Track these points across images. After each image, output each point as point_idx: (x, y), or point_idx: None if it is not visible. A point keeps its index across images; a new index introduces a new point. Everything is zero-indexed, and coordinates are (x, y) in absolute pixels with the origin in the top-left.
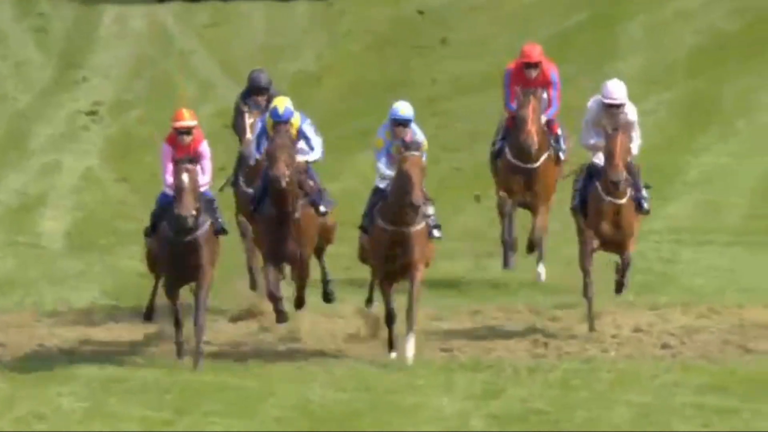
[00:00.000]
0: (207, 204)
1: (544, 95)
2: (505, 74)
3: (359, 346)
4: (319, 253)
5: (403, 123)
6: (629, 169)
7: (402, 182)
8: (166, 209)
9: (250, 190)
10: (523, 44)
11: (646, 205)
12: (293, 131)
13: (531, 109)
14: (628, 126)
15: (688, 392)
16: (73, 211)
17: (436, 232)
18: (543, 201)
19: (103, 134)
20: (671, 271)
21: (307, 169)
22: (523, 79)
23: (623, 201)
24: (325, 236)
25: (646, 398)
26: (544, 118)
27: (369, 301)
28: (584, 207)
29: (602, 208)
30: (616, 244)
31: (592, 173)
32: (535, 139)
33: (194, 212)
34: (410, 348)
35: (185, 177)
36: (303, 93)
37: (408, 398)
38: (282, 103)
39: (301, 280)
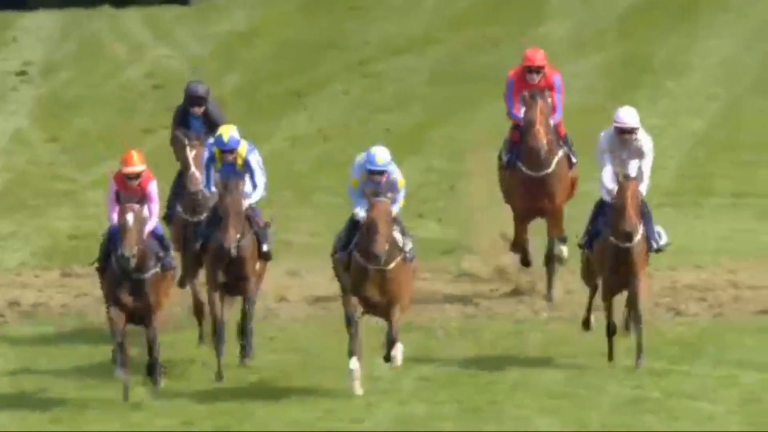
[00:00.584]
0: (157, 241)
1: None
2: (507, 82)
3: (290, 306)
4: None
5: (380, 173)
6: (642, 210)
7: (368, 229)
8: (115, 244)
9: (195, 219)
10: (527, 48)
11: (655, 245)
12: (239, 161)
13: (538, 110)
14: (638, 153)
15: (620, 354)
16: (3, 172)
17: (413, 263)
18: (559, 207)
19: (33, 95)
20: None
21: (254, 208)
22: (526, 84)
23: (632, 244)
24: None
25: (579, 360)
26: (551, 122)
27: (351, 351)
28: (592, 244)
29: (611, 253)
30: (626, 285)
31: (601, 209)
32: (544, 140)
33: (135, 252)
34: (398, 352)
35: (130, 217)
36: (234, 53)
37: (339, 359)
38: (227, 132)
39: (246, 310)
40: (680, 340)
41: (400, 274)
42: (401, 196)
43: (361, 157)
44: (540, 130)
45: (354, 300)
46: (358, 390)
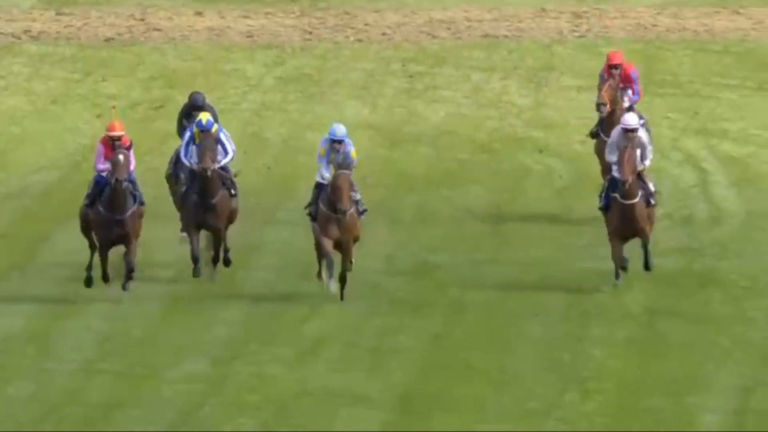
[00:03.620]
0: (132, 183)
1: (629, 92)
2: (599, 75)
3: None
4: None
5: (339, 141)
6: (640, 176)
7: (334, 192)
8: (101, 189)
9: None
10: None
11: (652, 201)
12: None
13: (607, 85)
14: (640, 145)
15: (398, 63)
16: None
17: (363, 214)
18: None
19: None
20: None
21: (225, 167)
22: (611, 76)
23: (635, 201)
24: (230, 216)
25: (368, 67)
26: (627, 102)
27: (320, 274)
28: (608, 209)
29: (620, 207)
30: (635, 231)
31: (613, 183)
32: (606, 100)
33: (127, 177)
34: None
35: (121, 156)
36: None
37: None
38: (205, 116)
39: (217, 244)
40: (435, 53)
41: (353, 220)
42: (354, 163)
43: (326, 135)
44: (603, 95)
45: (324, 239)
46: (333, 287)
